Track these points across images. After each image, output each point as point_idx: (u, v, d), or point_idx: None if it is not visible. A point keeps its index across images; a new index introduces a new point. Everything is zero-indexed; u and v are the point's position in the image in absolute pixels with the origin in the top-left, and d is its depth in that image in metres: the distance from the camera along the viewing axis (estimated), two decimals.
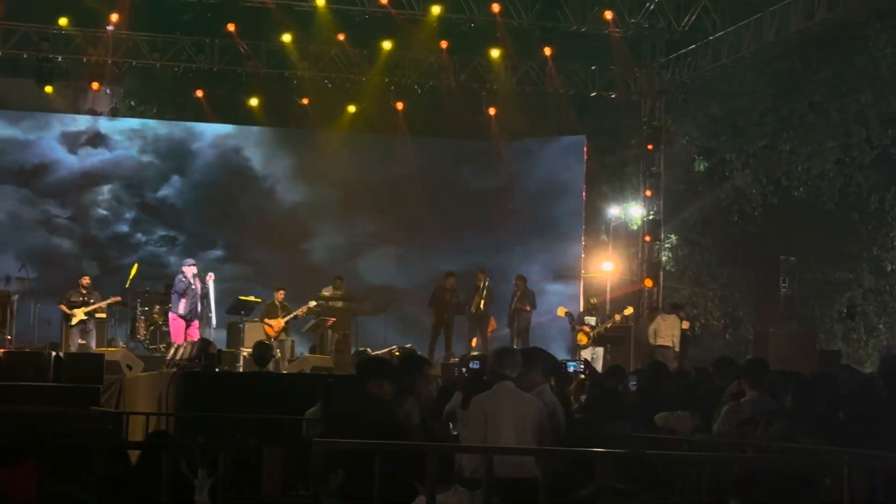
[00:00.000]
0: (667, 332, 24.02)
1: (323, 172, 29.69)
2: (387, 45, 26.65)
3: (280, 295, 24.44)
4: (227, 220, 29.62)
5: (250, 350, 18.64)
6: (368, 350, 19.58)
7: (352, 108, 29.18)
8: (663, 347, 23.79)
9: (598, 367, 21.71)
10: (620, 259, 30.01)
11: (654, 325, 24.49)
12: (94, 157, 28.92)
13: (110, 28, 26.21)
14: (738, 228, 31.60)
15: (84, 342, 23.50)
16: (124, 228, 29.28)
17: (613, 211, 31.30)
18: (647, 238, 29.03)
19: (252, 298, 24.67)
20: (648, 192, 29.28)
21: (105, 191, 29.14)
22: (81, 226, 28.98)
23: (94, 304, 23.84)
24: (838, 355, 25.07)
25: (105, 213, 29.17)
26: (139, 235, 29.32)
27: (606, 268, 29.40)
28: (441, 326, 25.47)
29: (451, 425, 10.81)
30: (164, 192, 29.44)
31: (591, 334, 24.62)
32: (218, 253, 29.12)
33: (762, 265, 29.43)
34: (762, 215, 30.99)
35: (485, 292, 25.70)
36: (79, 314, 23.59)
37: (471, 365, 11.17)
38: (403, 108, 29.22)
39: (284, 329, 24.14)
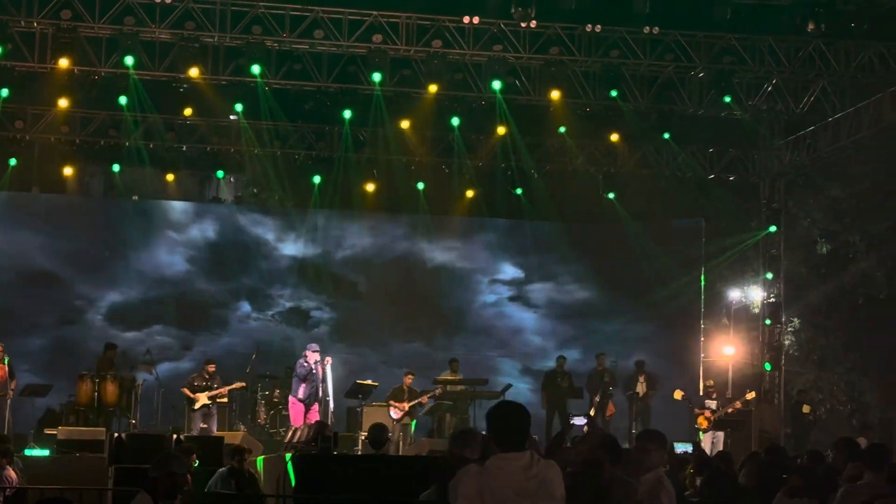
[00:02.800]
0: None
1: (438, 257, 29.91)
2: (501, 129, 26.80)
3: (409, 380, 24.66)
4: (345, 303, 29.91)
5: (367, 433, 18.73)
6: (485, 433, 19.56)
7: (470, 193, 29.37)
8: None
9: (719, 450, 21.45)
10: (742, 342, 29.65)
11: None
12: (217, 245, 29.50)
13: (233, 117, 26.83)
14: (862, 312, 31.04)
15: (206, 426, 23.82)
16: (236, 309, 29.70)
17: (734, 294, 30.98)
18: (768, 321, 28.74)
19: (369, 382, 24.95)
20: (769, 275, 29.04)
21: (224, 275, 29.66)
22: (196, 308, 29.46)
23: (217, 388, 24.18)
24: None
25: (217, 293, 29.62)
26: (255, 314, 29.66)
27: (727, 351, 29.08)
28: (554, 410, 25.49)
29: None
30: (283, 274, 29.90)
31: (712, 418, 24.35)
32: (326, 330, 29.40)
33: (888, 349, 28.84)
34: (888, 298, 30.41)
35: (604, 376, 25.74)
36: (202, 398, 23.94)
37: None
38: (522, 192, 29.40)
39: (409, 413, 24.31)
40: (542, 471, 7.35)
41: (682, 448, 13.46)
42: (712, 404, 24.61)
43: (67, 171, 27.94)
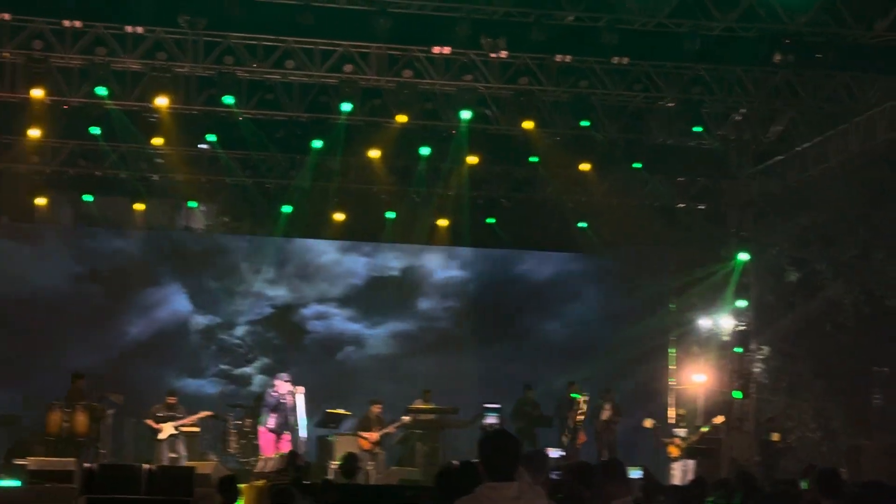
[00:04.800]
0: None
1: (409, 285, 29.97)
2: (472, 159, 26.80)
3: (376, 409, 24.60)
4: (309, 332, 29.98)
5: (339, 462, 18.74)
6: (455, 463, 19.59)
7: (442, 223, 29.39)
8: None
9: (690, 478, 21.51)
10: (712, 370, 29.74)
11: None
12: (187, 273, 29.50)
13: (204, 146, 26.80)
14: (830, 339, 31.19)
15: (175, 456, 23.71)
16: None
17: (704, 322, 31.06)
18: (738, 349, 28.88)
19: (341, 411, 24.94)
20: (741, 303, 29.18)
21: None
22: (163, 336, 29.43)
23: (181, 417, 24.09)
24: None
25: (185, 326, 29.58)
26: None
27: (698, 379, 29.18)
28: (525, 439, 25.48)
29: None
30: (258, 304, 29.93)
31: (682, 446, 24.43)
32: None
33: (855, 376, 28.99)
34: (855, 326, 30.58)
35: (579, 405, 25.66)
36: (167, 429, 23.84)
37: (552, 476, 11.15)
38: (495, 221, 29.44)
39: (379, 443, 24.27)
40: (530, 502, 7.38)
41: (634, 474, 13.56)
42: (682, 432, 24.69)
43: (40, 200, 27.78)
